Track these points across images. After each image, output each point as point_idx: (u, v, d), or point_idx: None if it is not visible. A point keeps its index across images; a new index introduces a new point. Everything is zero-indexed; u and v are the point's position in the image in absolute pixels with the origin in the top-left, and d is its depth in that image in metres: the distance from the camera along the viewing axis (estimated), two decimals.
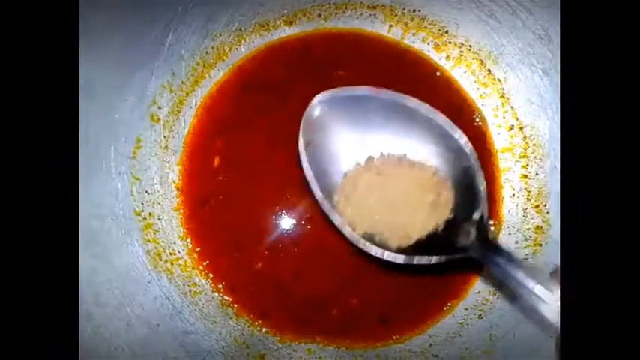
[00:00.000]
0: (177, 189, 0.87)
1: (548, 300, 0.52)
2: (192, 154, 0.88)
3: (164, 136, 0.86)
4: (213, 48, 0.89)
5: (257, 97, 0.90)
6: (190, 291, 0.83)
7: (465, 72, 0.93)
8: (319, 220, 0.82)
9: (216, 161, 0.88)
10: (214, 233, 0.86)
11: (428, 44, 0.93)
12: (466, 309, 0.85)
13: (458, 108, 0.92)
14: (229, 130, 0.89)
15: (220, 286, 0.85)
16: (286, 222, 0.86)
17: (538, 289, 0.53)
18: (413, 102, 0.72)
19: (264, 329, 0.84)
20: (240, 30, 0.90)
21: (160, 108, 0.85)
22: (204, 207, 0.87)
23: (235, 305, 0.84)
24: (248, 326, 0.84)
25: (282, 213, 0.86)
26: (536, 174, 0.87)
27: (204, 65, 0.89)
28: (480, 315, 0.84)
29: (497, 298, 0.84)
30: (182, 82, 0.87)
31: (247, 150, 0.88)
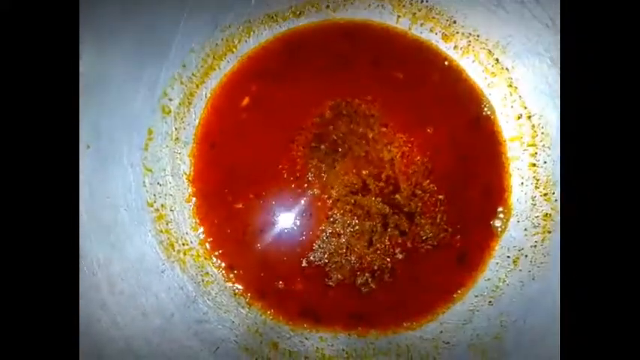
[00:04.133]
0: (189, 180, 0.88)
1: None
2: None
3: (175, 128, 0.87)
4: (222, 40, 0.89)
5: (267, 89, 0.91)
6: (203, 281, 0.84)
7: (473, 62, 0.93)
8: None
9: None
10: (225, 221, 0.87)
11: (436, 34, 0.94)
12: (476, 296, 0.86)
13: (466, 97, 0.93)
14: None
15: (232, 275, 0.85)
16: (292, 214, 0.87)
17: None
18: None
19: (277, 318, 0.85)
20: (249, 22, 0.90)
21: (170, 100, 0.86)
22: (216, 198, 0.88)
23: (248, 294, 0.85)
24: (260, 315, 0.84)
25: (291, 204, 0.87)
26: (545, 162, 0.88)
27: (213, 57, 0.89)
28: (490, 302, 0.85)
29: (508, 285, 0.85)
30: (192, 74, 0.88)
31: (260, 142, 0.89)
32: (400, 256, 0.86)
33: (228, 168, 0.89)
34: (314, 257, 0.86)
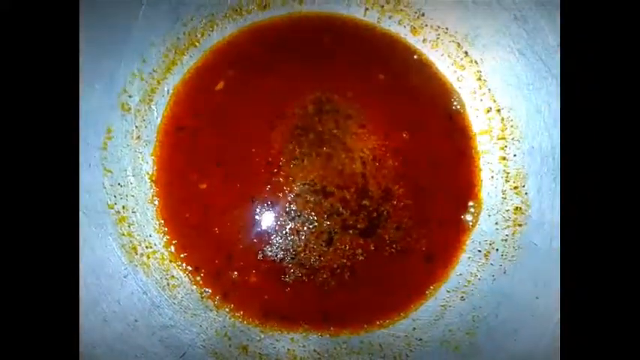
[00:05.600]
0: (152, 180, 0.84)
1: None
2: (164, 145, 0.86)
3: (136, 126, 0.83)
4: (184, 33, 0.86)
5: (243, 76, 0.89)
6: (168, 284, 0.81)
7: (442, 55, 0.92)
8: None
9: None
10: (202, 247, 0.84)
11: (404, 27, 0.92)
12: (448, 291, 0.85)
13: (435, 91, 0.92)
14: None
15: (199, 278, 0.83)
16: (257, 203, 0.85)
17: None
18: None
19: (246, 320, 0.82)
20: (213, 14, 0.87)
21: (130, 97, 0.82)
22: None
23: (216, 298, 0.83)
24: (229, 318, 0.82)
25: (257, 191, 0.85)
26: (514, 155, 0.87)
27: (175, 51, 0.86)
28: (462, 297, 0.84)
29: (479, 279, 0.85)
30: (153, 69, 0.84)
31: (235, 126, 0.87)
32: (361, 257, 0.84)
33: (197, 148, 0.86)
34: (271, 252, 0.84)
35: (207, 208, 0.84)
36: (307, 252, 0.84)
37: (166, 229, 0.83)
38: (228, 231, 0.84)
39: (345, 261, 0.84)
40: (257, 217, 0.84)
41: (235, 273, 0.83)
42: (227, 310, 0.82)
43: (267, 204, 0.85)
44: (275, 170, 0.85)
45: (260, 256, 0.83)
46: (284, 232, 0.84)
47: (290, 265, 0.83)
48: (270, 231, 0.84)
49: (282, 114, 0.88)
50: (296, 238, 0.84)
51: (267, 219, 0.84)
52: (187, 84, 0.88)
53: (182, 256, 0.83)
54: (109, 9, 0.75)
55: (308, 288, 0.83)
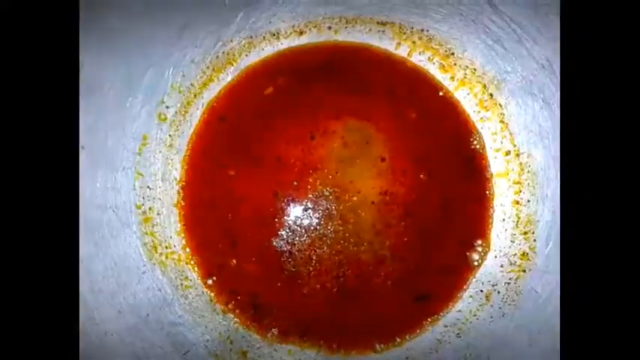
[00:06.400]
0: (179, 186, 0.91)
1: None
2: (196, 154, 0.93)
3: (169, 135, 0.90)
4: (223, 53, 0.92)
5: (263, 104, 0.94)
6: (182, 285, 0.87)
7: (468, 94, 0.94)
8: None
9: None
10: (211, 228, 0.90)
11: (433, 64, 0.95)
12: (446, 326, 0.88)
13: (458, 129, 0.94)
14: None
15: (210, 282, 0.88)
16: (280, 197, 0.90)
17: None
18: None
19: (249, 327, 0.88)
20: (251, 37, 0.93)
21: (167, 108, 0.89)
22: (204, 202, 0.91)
23: (227, 302, 0.88)
24: (234, 323, 0.87)
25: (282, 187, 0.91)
26: (528, 201, 0.88)
27: (213, 69, 0.92)
28: (458, 334, 0.86)
29: (477, 319, 0.86)
30: (191, 84, 0.91)
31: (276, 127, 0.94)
32: (354, 281, 0.88)
33: (233, 137, 0.93)
34: (275, 243, 0.89)
35: (229, 194, 0.91)
36: (311, 252, 0.89)
37: (186, 233, 0.90)
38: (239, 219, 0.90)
39: (339, 280, 0.88)
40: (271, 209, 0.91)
41: (234, 261, 0.89)
42: (232, 315, 0.88)
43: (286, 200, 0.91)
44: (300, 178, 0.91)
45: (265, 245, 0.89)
46: (293, 228, 0.90)
47: (290, 260, 0.89)
48: (280, 224, 0.90)
49: (324, 129, 0.93)
50: (302, 239, 0.89)
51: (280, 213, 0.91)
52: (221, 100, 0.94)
53: (197, 258, 0.89)
54: (157, 27, 0.82)
55: (310, 294, 0.88)
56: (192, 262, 0.89)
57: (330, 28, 0.95)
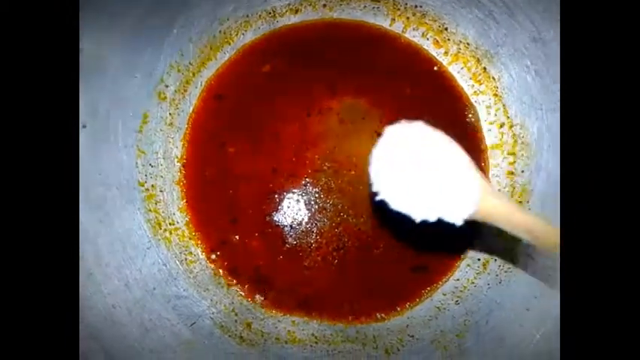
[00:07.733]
0: (180, 163, 0.92)
1: None
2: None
3: (169, 113, 0.91)
4: (220, 32, 0.93)
5: (261, 81, 0.95)
6: (186, 260, 0.89)
7: (462, 68, 0.96)
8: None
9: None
10: (212, 205, 0.92)
11: (427, 39, 0.97)
12: (444, 294, 0.90)
13: (453, 103, 0.96)
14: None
15: (214, 256, 0.90)
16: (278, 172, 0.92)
17: None
18: None
19: (254, 299, 0.90)
20: (247, 16, 0.94)
21: (167, 86, 0.90)
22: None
23: (230, 278, 0.90)
24: (238, 296, 0.89)
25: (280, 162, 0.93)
26: (522, 171, 0.90)
27: (211, 48, 0.93)
28: (457, 301, 0.89)
29: (475, 286, 0.89)
30: (189, 62, 0.92)
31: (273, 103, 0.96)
32: (355, 253, 0.90)
33: (232, 115, 0.95)
34: (276, 218, 0.92)
35: (228, 170, 0.93)
36: (312, 226, 0.91)
37: (188, 209, 0.92)
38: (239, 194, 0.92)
39: (340, 252, 0.90)
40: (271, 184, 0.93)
41: (237, 237, 0.91)
42: (236, 289, 0.90)
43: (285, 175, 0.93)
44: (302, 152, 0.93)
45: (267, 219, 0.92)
46: (294, 201, 0.92)
47: (292, 234, 0.91)
48: (280, 199, 0.93)
49: (319, 106, 0.95)
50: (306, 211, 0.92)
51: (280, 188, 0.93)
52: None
53: (200, 234, 0.91)
54: (155, 6, 0.83)
55: (312, 267, 0.91)
56: (195, 238, 0.91)
57: (325, 5, 0.96)
